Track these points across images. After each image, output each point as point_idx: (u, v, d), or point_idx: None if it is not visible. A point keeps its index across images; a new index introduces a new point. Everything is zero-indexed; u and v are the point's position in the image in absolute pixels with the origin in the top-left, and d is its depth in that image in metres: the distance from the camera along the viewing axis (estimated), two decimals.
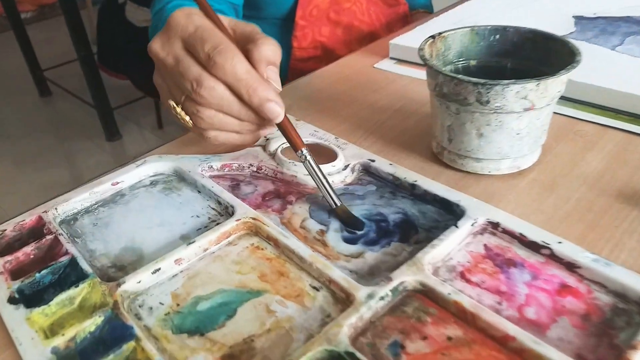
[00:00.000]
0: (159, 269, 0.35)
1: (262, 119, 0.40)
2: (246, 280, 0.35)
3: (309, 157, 0.39)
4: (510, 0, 0.74)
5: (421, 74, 0.60)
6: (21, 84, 2.52)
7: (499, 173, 0.43)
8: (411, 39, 0.64)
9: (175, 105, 0.40)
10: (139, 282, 0.35)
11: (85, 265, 0.36)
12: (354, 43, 0.86)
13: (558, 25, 0.64)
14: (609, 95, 0.50)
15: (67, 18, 1.82)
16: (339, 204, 0.39)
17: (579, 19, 0.65)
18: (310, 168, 0.39)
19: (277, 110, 0.38)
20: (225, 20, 0.41)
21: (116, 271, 0.37)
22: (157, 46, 0.40)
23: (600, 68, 0.53)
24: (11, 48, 2.57)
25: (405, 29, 0.71)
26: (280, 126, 0.40)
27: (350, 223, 0.39)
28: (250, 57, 0.38)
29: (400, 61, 0.63)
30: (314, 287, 0.34)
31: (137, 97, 2.09)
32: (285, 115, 0.39)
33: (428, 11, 1.00)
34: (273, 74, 0.39)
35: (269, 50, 0.38)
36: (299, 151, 0.39)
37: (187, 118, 0.40)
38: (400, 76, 0.60)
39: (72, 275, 0.36)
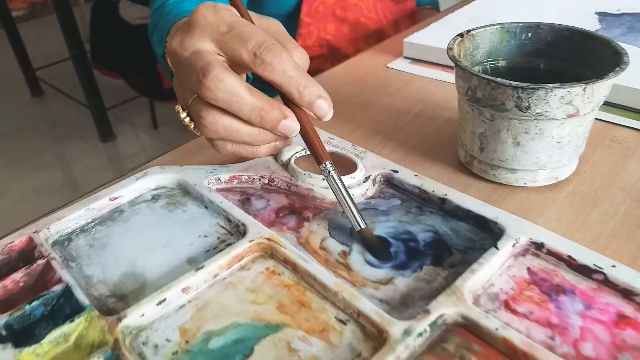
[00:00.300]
0: (165, 299, 0.32)
1: (271, 123, 0.35)
2: (263, 311, 0.31)
3: (333, 172, 0.35)
4: None
5: (439, 74, 0.56)
6: (13, 84, 2.47)
7: (535, 185, 0.39)
8: (426, 37, 0.60)
9: (180, 110, 0.36)
10: (142, 315, 0.31)
11: (81, 296, 0.32)
12: (360, 41, 0.82)
13: (581, 22, 0.61)
14: None
15: (59, 16, 1.77)
16: (363, 227, 0.35)
17: (602, 16, 0.62)
18: (334, 184, 0.35)
19: (326, 107, 0.35)
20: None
21: (116, 301, 0.33)
22: (174, 44, 0.36)
23: (633, 68, 0.49)
24: (2, 47, 2.51)
25: (418, 26, 0.67)
26: (304, 133, 0.36)
27: (375, 250, 0.35)
28: None
29: (415, 60, 0.59)
30: (340, 320, 0.30)
31: (131, 96, 2.04)
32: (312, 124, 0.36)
33: (435, 8, 0.96)
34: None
35: (302, 58, 0.35)
36: (323, 164, 0.35)
37: (192, 125, 0.36)
38: (416, 77, 0.56)
39: (66, 307, 0.32)
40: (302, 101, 0.34)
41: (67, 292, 0.33)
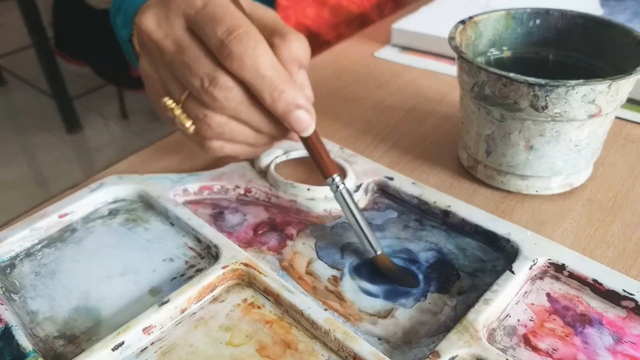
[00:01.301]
0: (122, 342, 0.26)
1: (282, 130, 0.31)
2: (240, 355, 0.26)
3: (342, 188, 0.30)
4: None
5: (432, 64, 0.51)
6: None
7: (548, 193, 0.35)
8: (416, 22, 0.55)
9: (173, 106, 0.31)
10: None
11: (22, 339, 0.26)
12: (342, 26, 0.77)
13: (582, 7, 0.56)
14: None
15: (20, 0, 1.67)
16: (379, 252, 0.30)
17: (605, 0, 0.57)
18: (344, 202, 0.30)
19: (306, 120, 0.30)
20: None
21: (65, 344, 0.28)
22: (149, 23, 0.30)
23: None
24: None
25: (405, 10, 0.62)
26: (307, 142, 0.31)
27: (396, 278, 0.30)
28: (278, 54, 0.29)
29: (405, 48, 0.54)
30: None
31: (99, 85, 1.95)
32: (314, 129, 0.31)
33: None
34: (305, 79, 0.32)
35: (302, 48, 0.30)
36: (330, 178, 0.30)
37: (189, 123, 0.31)
38: (406, 67, 0.51)
39: (5, 352, 0.27)
40: (276, 110, 0.29)
41: (7, 333, 0.27)
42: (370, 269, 0.30)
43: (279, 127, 0.31)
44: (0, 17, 2.80)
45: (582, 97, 0.29)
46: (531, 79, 0.29)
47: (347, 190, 0.30)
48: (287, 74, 0.29)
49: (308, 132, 0.30)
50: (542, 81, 0.29)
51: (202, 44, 0.29)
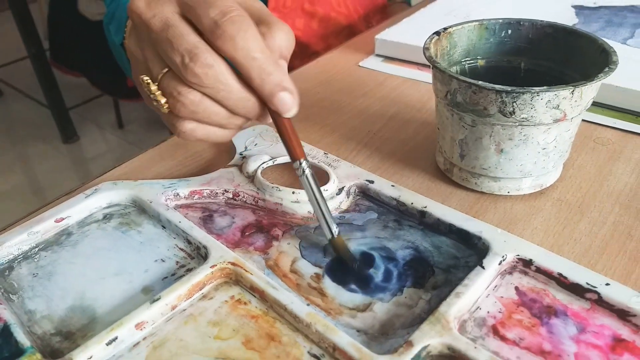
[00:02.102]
0: (116, 338, 0.28)
1: (257, 111, 0.32)
2: (227, 348, 0.28)
3: (307, 171, 0.32)
4: None
5: (413, 73, 0.53)
6: None
7: (520, 193, 0.36)
8: (398, 33, 0.57)
9: (149, 82, 0.32)
10: (90, 357, 0.27)
11: (20, 336, 0.28)
12: (330, 36, 0.79)
13: (558, 16, 0.58)
14: (627, 96, 0.44)
15: (15, 13, 1.69)
16: (336, 235, 0.32)
17: (579, 9, 0.60)
18: (308, 185, 0.32)
19: (290, 101, 0.31)
20: None
21: (62, 340, 0.29)
22: (140, 4, 0.31)
23: None
24: None
25: (389, 21, 0.64)
26: (280, 126, 0.32)
27: (348, 260, 0.32)
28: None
29: (388, 58, 0.56)
30: (314, 356, 0.27)
31: (94, 95, 1.97)
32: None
33: (406, 2, 0.94)
34: (285, 70, 0.32)
35: (286, 39, 0.31)
36: (297, 161, 0.32)
37: (163, 100, 0.32)
38: (389, 76, 0.53)
39: (4, 349, 0.28)
40: (263, 90, 0.30)
41: (6, 331, 0.29)
42: (342, 271, 0.32)
43: (255, 108, 0.32)
44: None
45: (546, 102, 0.31)
46: (498, 87, 0.31)
47: (312, 175, 0.32)
48: (275, 59, 0.31)
49: (290, 113, 0.31)
50: (509, 88, 0.31)
51: (190, 25, 0.30)
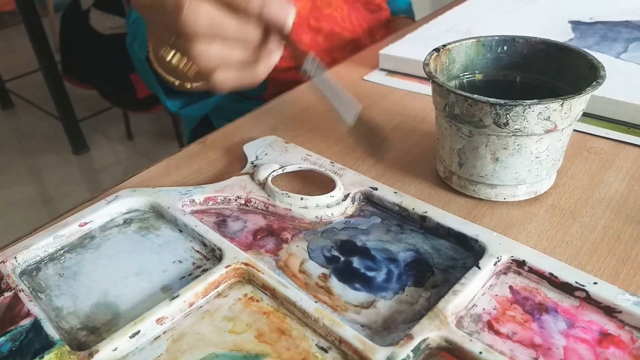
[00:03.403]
0: (138, 331, 0.30)
1: (261, 35, 0.35)
2: (241, 341, 0.30)
3: (316, 65, 0.35)
4: (500, 4, 0.71)
5: (415, 86, 0.56)
6: None
7: (515, 199, 0.39)
8: (402, 48, 0.60)
9: (169, 53, 0.35)
10: (115, 349, 0.29)
11: (50, 330, 0.30)
12: (336, 51, 0.81)
13: (555, 31, 0.61)
14: (620, 107, 0.47)
15: (28, 26, 1.73)
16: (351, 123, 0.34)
17: (576, 25, 0.62)
18: (319, 75, 0.35)
19: (286, 13, 0.34)
20: None
21: (88, 334, 0.32)
22: None
23: (607, 78, 0.49)
24: None
25: (393, 37, 0.67)
26: (287, 38, 0.35)
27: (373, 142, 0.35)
28: None
29: (391, 72, 0.59)
30: (322, 348, 0.29)
31: (105, 107, 2.01)
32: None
33: (409, 17, 0.96)
34: None
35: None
36: (307, 59, 0.35)
37: (183, 63, 0.35)
38: (392, 89, 0.56)
39: (35, 341, 0.31)
40: (252, 10, 0.33)
41: (36, 326, 0.31)
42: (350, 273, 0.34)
43: (255, 32, 0.34)
44: (9, 42, 2.88)
45: (537, 114, 0.33)
46: (492, 100, 0.33)
47: (322, 67, 0.35)
48: None
49: (288, 22, 0.34)
50: (502, 101, 0.33)
51: None
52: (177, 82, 0.50)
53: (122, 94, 1.75)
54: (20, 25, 2.32)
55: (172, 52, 0.35)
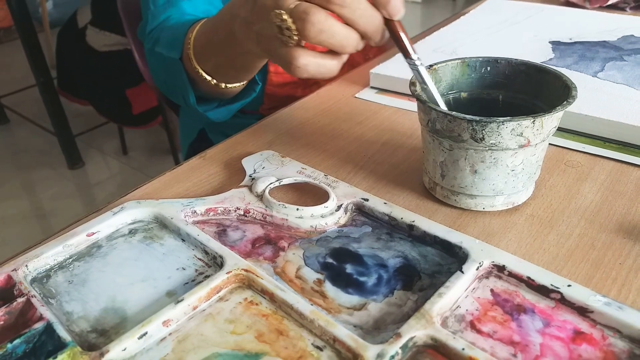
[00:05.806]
0: (146, 333, 0.32)
1: (382, 26, 0.40)
2: (242, 341, 0.32)
3: (418, 63, 0.40)
4: (484, 26, 0.74)
5: (404, 104, 0.59)
6: None
7: (494, 209, 0.41)
8: (392, 67, 0.63)
9: (282, 12, 0.38)
10: (124, 349, 0.32)
11: (62, 332, 0.33)
12: None
13: (536, 51, 0.64)
14: (596, 123, 0.50)
15: (24, 42, 1.76)
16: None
17: (556, 45, 0.66)
18: (419, 75, 0.40)
19: (398, 5, 0.39)
20: None
21: (98, 336, 0.34)
22: None
23: (585, 96, 0.53)
24: None
25: (383, 56, 0.70)
26: (394, 31, 0.40)
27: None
28: None
29: (382, 90, 0.62)
30: (317, 347, 0.32)
31: (100, 122, 2.03)
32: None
33: None
34: None
35: None
36: (409, 58, 0.40)
37: (294, 27, 0.38)
38: (383, 106, 0.59)
39: (48, 343, 0.33)
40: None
41: (49, 329, 0.33)
42: (345, 278, 0.37)
43: (380, 22, 0.39)
44: (5, 57, 2.90)
45: (511, 130, 0.36)
46: (469, 116, 0.36)
47: (423, 67, 0.41)
48: None
49: (399, 15, 0.39)
50: (477, 118, 0.36)
51: None
52: (213, 82, 0.53)
53: (118, 110, 1.78)
54: (15, 41, 2.34)
55: (284, 13, 0.38)
